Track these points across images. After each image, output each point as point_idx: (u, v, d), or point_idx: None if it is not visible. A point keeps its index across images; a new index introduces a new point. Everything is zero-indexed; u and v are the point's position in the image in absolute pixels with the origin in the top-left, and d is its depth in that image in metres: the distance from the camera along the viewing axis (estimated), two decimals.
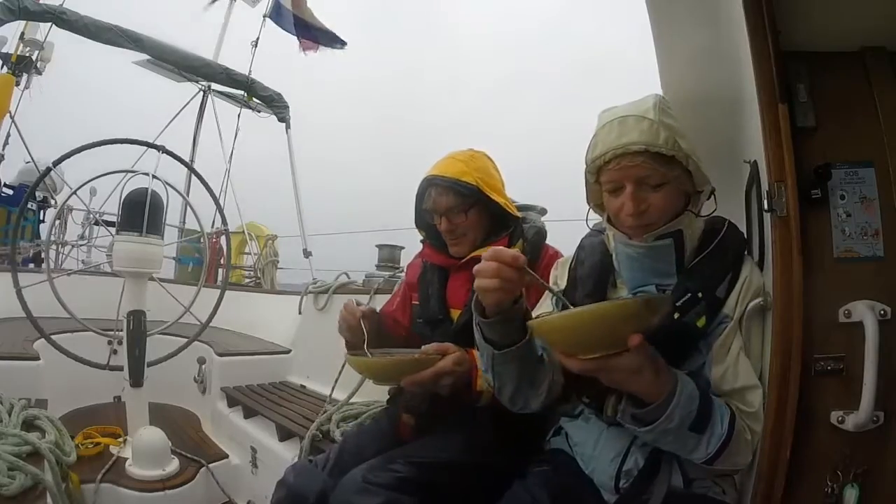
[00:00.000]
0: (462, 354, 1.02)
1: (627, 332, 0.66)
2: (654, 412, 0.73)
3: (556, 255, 1.21)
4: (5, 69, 5.44)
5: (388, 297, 1.48)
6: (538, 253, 1.19)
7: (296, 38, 5.83)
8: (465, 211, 1.16)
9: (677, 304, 0.81)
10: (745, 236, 0.93)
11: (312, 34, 5.84)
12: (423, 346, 1.05)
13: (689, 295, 0.81)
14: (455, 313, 1.20)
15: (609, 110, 0.85)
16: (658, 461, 0.84)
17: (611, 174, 0.82)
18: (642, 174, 0.80)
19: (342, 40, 5.90)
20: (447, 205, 1.16)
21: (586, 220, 0.96)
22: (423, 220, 1.28)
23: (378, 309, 1.41)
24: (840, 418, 0.77)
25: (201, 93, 5.94)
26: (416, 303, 1.31)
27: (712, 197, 0.89)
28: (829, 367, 0.78)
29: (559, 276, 1.03)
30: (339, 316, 1.21)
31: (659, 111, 0.80)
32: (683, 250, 0.85)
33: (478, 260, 1.13)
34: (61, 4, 4.10)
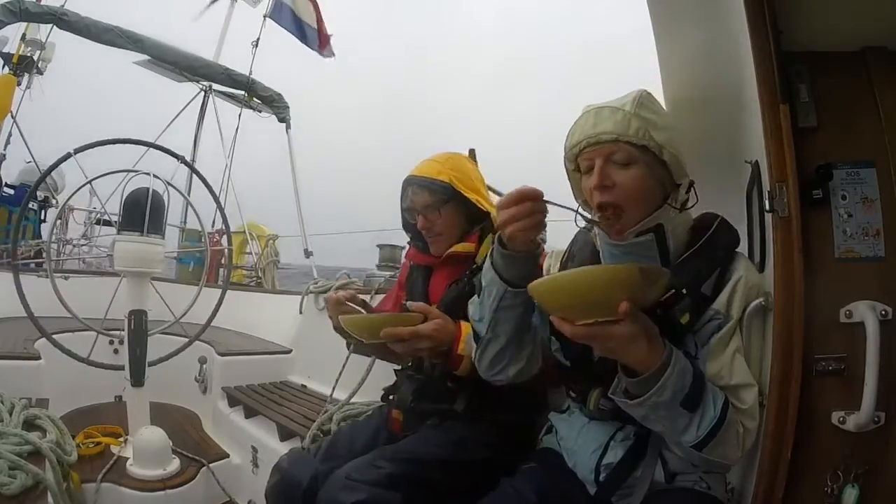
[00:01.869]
0: (442, 323, 1.04)
1: (618, 299, 0.65)
2: (647, 382, 0.72)
3: (541, 254, 1.23)
4: (7, 69, 5.45)
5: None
6: None
7: (299, 40, 5.85)
8: (439, 208, 1.20)
9: (660, 299, 0.80)
10: (746, 236, 0.93)
11: (306, 36, 5.86)
12: (408, 303, 1.09)
13: (673, 290, 0.81)
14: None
15: (593, 105, 0.87)
16: (639, 455, 0.85)
17: (585, 156, 0.85)
18: (610, 151, 0.82)
19: (328, 50, 5.94)
20: (423, 202, 1.21)
21: (575, 219, 0.95)
22: (407, 222, 1.31)
23: (376, 301, 1.45)
24: (841, 419, 0.77)
25: (202, 93, 5.95)
26: (405, 302, 1.32)
27: (693, 190, 0.88)
28: (830, 368, 0.78)
29: (552, 267, 1.04)
30: (329, 312, 1.22)
31: (637, 105, 0.82)
32: (667, 245, 0.84)
33: (454, 256, 1.20)
34: (62, 6, 4.11)
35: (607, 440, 0.88)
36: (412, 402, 1.18)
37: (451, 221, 1.22)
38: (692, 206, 0.89)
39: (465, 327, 1.06)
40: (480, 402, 1.12)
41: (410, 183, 1.24)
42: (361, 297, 1.24)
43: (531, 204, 0.77)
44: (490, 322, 0.89)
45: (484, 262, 1.17)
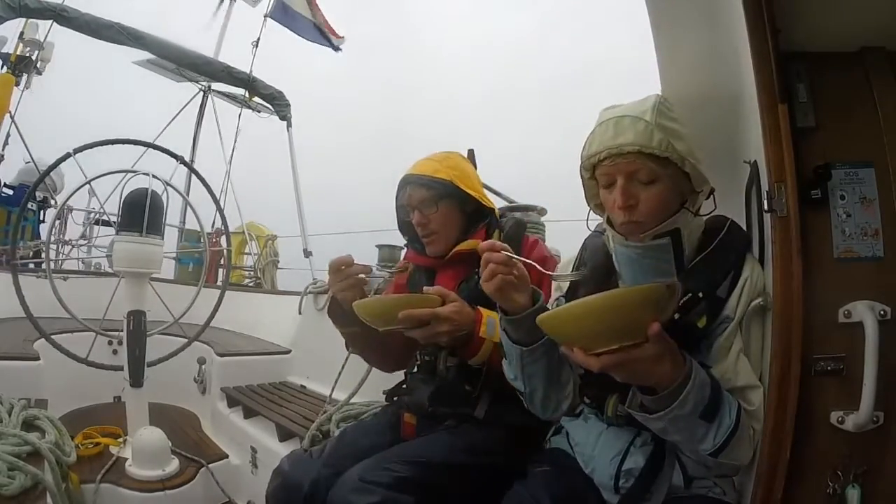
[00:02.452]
0: (460, 305, 1.03)
1: (649, 320, 0.64)
2: (668, 398, 0.72)
3: (537, 241, 1.23)
4: (5, 69, 5.43)
5: None
6: (519, 242, 1.19)
7: (310, 41, 5.86)
8: (437, 202, 1.18)
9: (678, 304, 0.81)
10: None
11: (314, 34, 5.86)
12: (425, 288, 1.05)
13: (690, 295, 0.81)
14: None
15: (610, 109, 0.86)
16: (659, 461, 0.84)
17: (604, 169, 0.84)
18: (632, 169, 0.81)
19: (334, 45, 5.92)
20: (419, 197, 1.19)
21: (587, 221, 0.96)
22: (404, 223, 1.29)
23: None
24: (840, 419, 0.77)
25: (201, 93, 5.94)
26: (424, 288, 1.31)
27: (712, 197, 0.89)
28: (828, 368, 0.78)
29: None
30: (333, 279, 1.15)
31: (657, 113, 0.80)
32: (682, 249, 0.84)
33: (461, 254, 1.18)
34: (62, 2, 4.09)
35: (627, 446, 0.87)
36: (430, 407, 1.15)
37: (448, 219, 1.19)
38: (710, 214, 0.89)
39: (485, 312, 1.06)
40: (499, 407, 1.10)
41: (408, 182, 1.21)
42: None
43: (492, 267, 0.84)
44: (524, 378, 0.91)
45: None
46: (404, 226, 1.30)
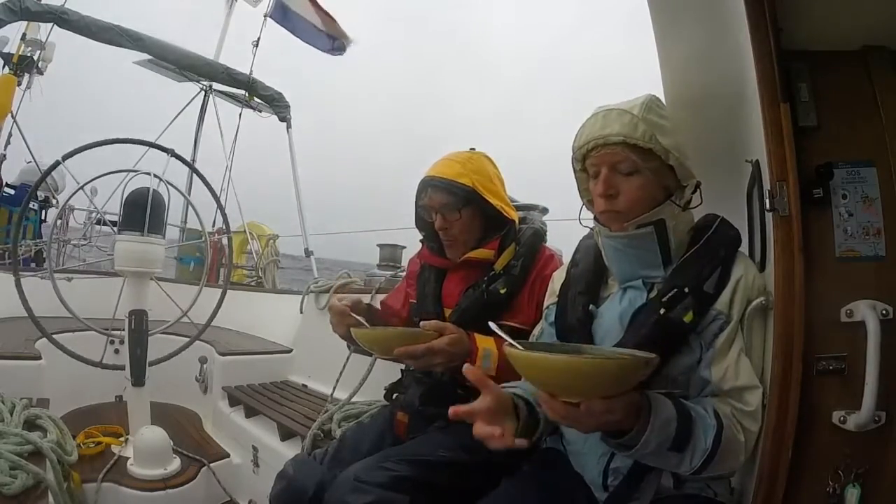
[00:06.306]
0: (458, 336, 1.03)
1: (614, 390, 0.65)
2: (630, 440, 0.72)
3: (553, 256, 1.22)
4: (7, 69, 5.44)
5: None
6: (533, 255, 1.19)
7: (311, 45, 5.83)
8: (460, 208, 1.17)
9: (663, 299, 0.81)
10: (747, 235, 0.93)
11: (316, 38, 5.84)
12: (422, 322, 1.06)
13: (676, 290, 0.81)
14: (448, 312, 1.21)
15: (603, 107, 0.88)
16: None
17: (592, 160, 0.87)
18: (615, 160, 0.84)
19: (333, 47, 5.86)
20: (442, 202, 1.18)
21: (579, 217, 0.97)
22: (422, 220, 1.28)
23: (378, 301, 1.44)
24: (841, 418, 0.77)
25: (202, 92, 5.94)
26: (413, 301, 1.31)
27: (698, 192, 0.90)
28: (830, 367, 0.78)
29: (556, 284, 1.04)
30: (330, 318, 1.20)
31: (645, 109, 0.83)
32: (668, 241, 0.85)
33: (471, 261, 1.18)
34: (63, 4, 4.10)
35: None
36: (419, 406, 1.16)
37: (470, 225, 1.19)
38: (696, 207, 0.90)
39: (481, 341, 1.05)
40: None
41: (430, 184, 1.19)
42: (364, 300, 1.21)
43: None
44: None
45: (503, 270, 1.16)
46: (422, 223, 1.29)
